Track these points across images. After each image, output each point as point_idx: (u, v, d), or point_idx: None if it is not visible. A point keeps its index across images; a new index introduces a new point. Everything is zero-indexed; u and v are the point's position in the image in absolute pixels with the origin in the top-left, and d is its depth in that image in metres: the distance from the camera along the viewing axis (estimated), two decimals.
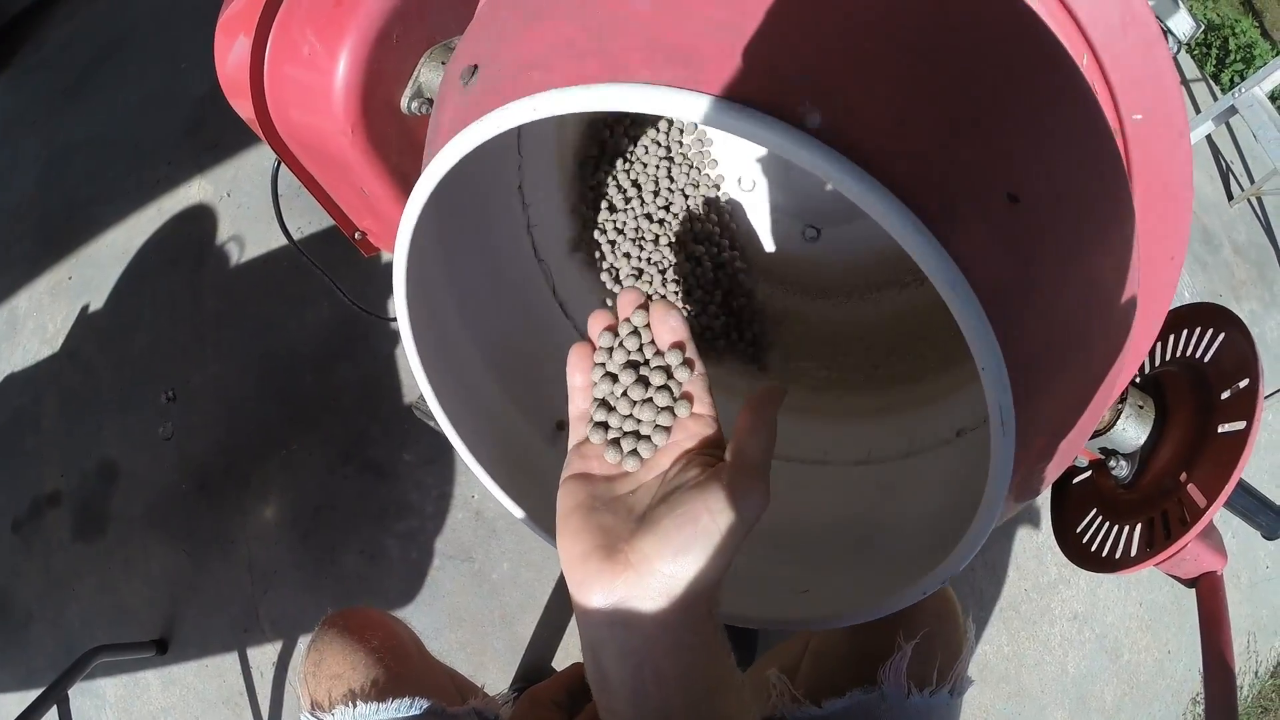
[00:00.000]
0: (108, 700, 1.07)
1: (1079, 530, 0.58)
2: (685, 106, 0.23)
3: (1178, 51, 1.86)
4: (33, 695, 0.87)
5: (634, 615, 0.28)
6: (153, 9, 1.72)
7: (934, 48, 0.25)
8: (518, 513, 0.43)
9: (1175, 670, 1.14)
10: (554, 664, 1.07)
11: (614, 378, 0.33)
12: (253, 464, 1.17)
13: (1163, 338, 0.59)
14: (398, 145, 0.61)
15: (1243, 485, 0.55)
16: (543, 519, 0.43)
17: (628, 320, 0.34)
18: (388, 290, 1.22)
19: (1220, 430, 0.47)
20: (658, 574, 0.28)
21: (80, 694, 0.98)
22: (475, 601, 1.08)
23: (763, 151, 0.55)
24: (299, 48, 0.58)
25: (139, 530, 1.15)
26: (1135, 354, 0.44)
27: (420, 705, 0.56)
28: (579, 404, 0.35)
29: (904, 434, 0.51)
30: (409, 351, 0.39)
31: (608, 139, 0.55)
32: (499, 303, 0.51)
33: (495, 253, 0.52)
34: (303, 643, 1.06)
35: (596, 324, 0.35)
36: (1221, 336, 0.53)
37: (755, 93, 0.23)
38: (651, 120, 0.55)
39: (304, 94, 0.59)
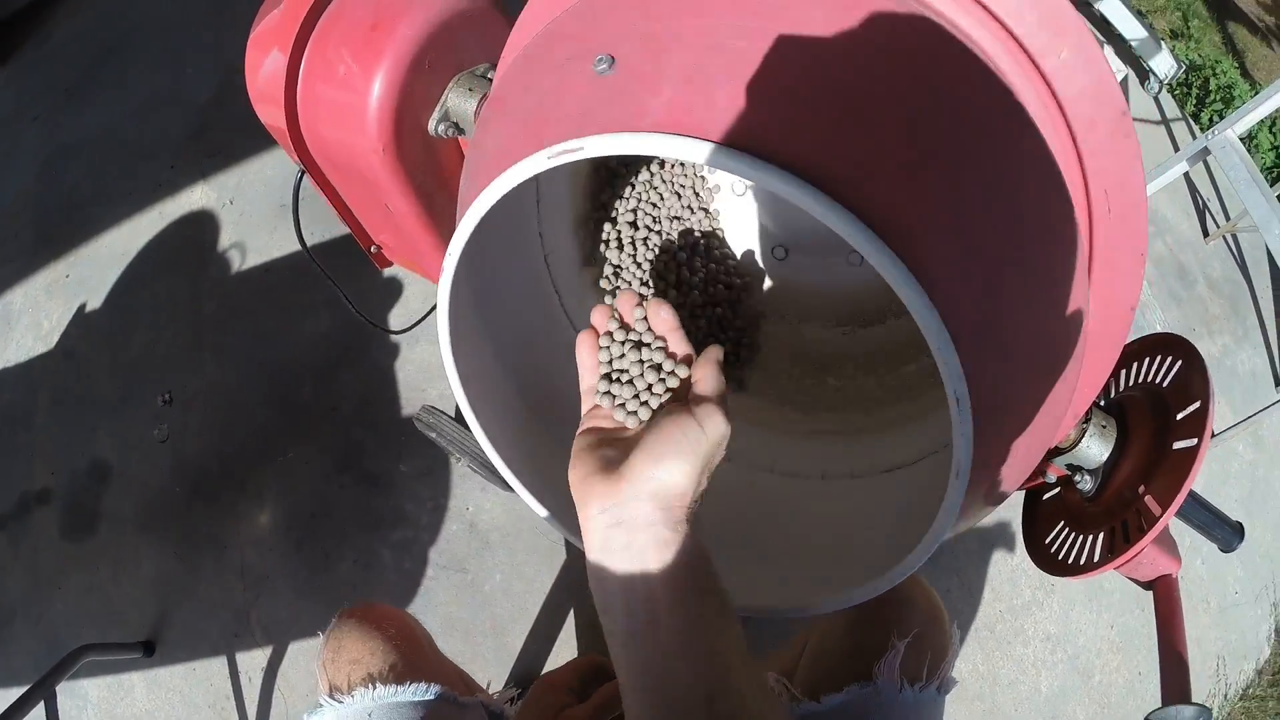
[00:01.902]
0: (90, 700, 1.08)
1: (1048, 541, 0.64)
2: (699, 152, 0.29)
3: (1159, 91, 1.98)
4: (12, 693, 0.89)
5: (626, 516, 0.35)
6: (155, 13, 1.77)
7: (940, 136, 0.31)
8: (541, 511, 0.48)
9: (1146, 691, 1.19)
10: (543, 673, 1.10)
11: (621, 355, 0.42)
12: (248, 470, 1.20)
13: (1126, 366, 0.66)
14: (423, 165, 0.67)
15: (1200, 502, 0.62)
16: (561, 517, 0.48)
17: (615, 318, 0.43)
18: (389, 303, 1.28)
19: (1175, 447, 0.54)
20: (643, 479, 0.36)
21: (62, 693, 0.99)
22: (467, 611, 1.11)
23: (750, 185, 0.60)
24: (334, 67, 0.63)
25: (130, 531, 1.17)
26: (1090, 383, 0.50)
27: (434, 690, 0.61)
28: (588, 380, 0.43)
29: (878, 452, 0.57)
30: (449, 369, 0.44)
31: (614, 178, 0.61)
32: (519, 320, 0.56)
33: (517, 277, 0.57)
34: (294, 648, 1.08)
35: (599, 316, 0.44)
36: (1179, 364, 0.59)
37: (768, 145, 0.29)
38: (652, 160, 0.61)
39: (337, 112, 0.64)
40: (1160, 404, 0.59)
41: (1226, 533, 0.62)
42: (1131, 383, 0.65)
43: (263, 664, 1.08)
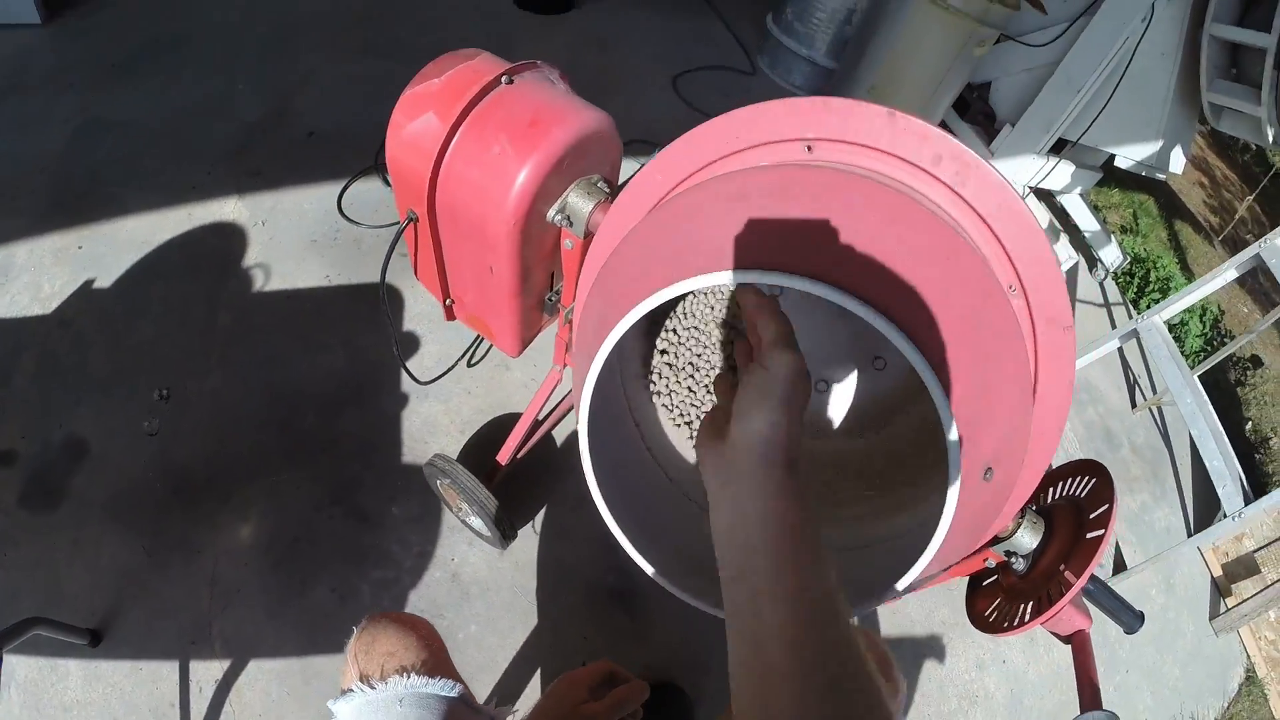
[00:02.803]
0: (16, 678, 1.10)
1: (987, 613, 0.89)
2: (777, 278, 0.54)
3: (1104, 278, 2.49)
4: None
5: (732, 473, 0.44)
6: (219, 23, 2.03)
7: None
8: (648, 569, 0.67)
9: None
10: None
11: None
12: (237, 483, 1.32)
13: (1054, 484, 0.95)
14: (532, 242, 0.93)
15: (1110, 591, 0.89)
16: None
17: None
18: (404, 355, 1.52)
19: (1088, 536, 0.81)
20: (735, 438, 0.44)
21: None
22: None
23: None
24: (489, 147, 0.89)
25: (96, 516, 1.24)
26: (1026, 485, 0.75)
27: (459, 690, 0.76)
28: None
29: (866, 532, 0.79)
30: (582, 441, 0.62)
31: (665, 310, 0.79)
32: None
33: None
34: (254, 666, 1.16)
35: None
36: (1094, 480, 0.88)
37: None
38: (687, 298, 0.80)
39: (481, 181, 0.89)
40: (1078, 508, 0.87)
41: (1129, 617, 0.88)
42: (1058, 496, 0.93)
43: (217, 676, 1.15)
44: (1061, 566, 0.81)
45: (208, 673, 1.16)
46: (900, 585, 0.57)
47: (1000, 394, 0.57)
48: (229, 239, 1.60)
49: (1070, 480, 0.93)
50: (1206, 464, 1.51)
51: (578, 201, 0.91)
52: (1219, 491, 1.49)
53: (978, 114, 2.29)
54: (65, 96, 1.77)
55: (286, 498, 1.33)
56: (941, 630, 1.51)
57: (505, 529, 1.25)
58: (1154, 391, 2.16)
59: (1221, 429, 1.58)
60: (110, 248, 1.54)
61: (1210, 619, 1.79)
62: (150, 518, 1.27)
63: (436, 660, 0.79)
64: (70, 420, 1.33)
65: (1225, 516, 1.48)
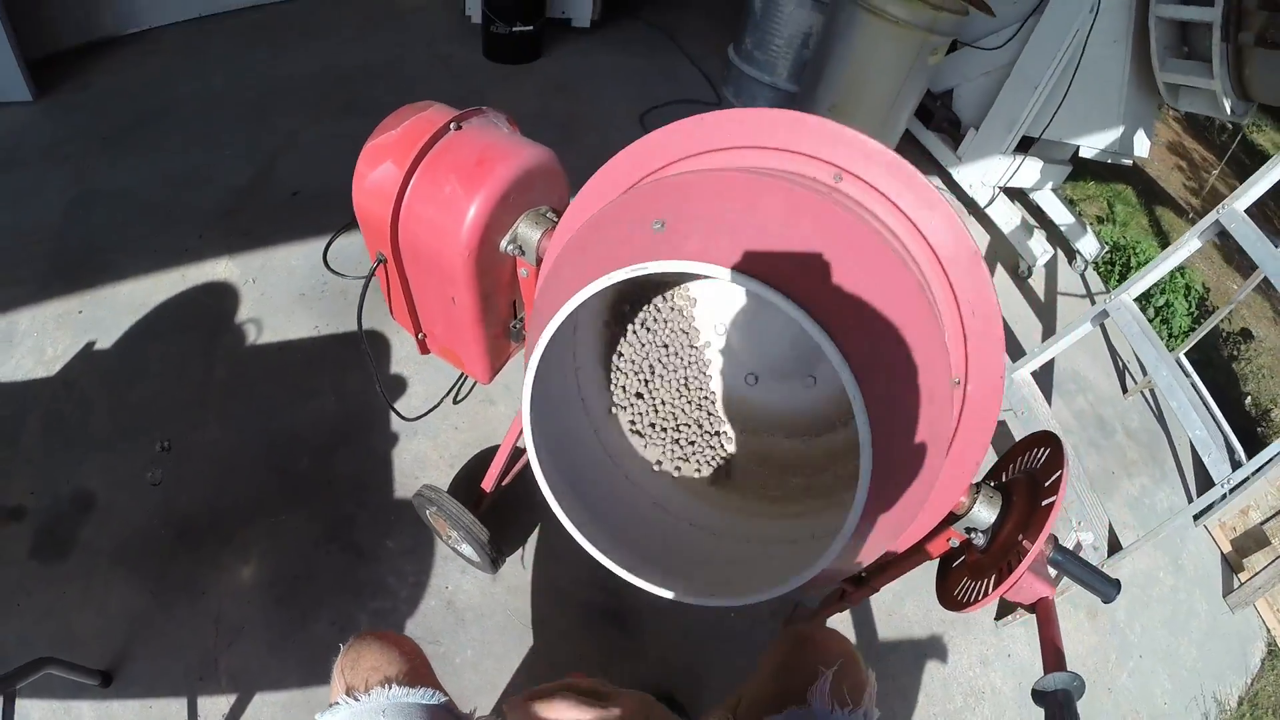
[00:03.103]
0: None
1: (955, 594, 0.91)
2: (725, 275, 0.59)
3: (1084, 269, 2.52)
4: None
5: None
6: (204, 94, 2.15)
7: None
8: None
9: None
10: None
11: None
12: (238, 525, 1.38)
13: (1015, 459, 0.97)
14: (488, 272, 0.99)
15: (1080, 560, 0.90)
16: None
17: None
18: (393, 395, 1.62)
19: (1043, 504, 0.83)
20: None
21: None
22: None
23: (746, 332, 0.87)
24: (441, 187, 0.96)
25: (105, 563, 1.30)
26: (968, 464, 0.78)
27: (440, 698, 0.80)
28: None
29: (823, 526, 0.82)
30: (526, 427, 0.67)
31: (624, 310, 0.83)
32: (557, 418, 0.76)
33: (556, 377, 0.77)
34: (259, 699, 1.21)
35: None
36: (1048, 451, 0.90)
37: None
38: (654, 302, 0.85)
39: (437, 219, 0.95)
40: (1033, 479, 0.89)
41: (1104, 585, 0.89)
42: (1018, 471, 0.96)
43: (224, 710, 1.19)
44: (1020, 537, 0.83)
45: (215, 707, 1.20)
46: (821, 562, 0.60)
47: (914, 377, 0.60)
48: (222, 297, 1.68)
49: (1027, 454, 0.95)
50: (1189, 434, 1.51)
51: (527, 231, 0.97)
52: (1205, 460, 1.49)
53: (942, 121, 2.36)
54: (59, 169, 1.88)
55: (285, 537, 1.38)
56: (941, 629, 1.52)
57: (494, 554, 1.28)
58: (1144, 375, 2.17)
59: (1202, 399, 1.58)
60: (109, 311, 1.63)
61: (1224, 595, 1.77)
62: (156, 563, 1.32)
63: (419, 673, 0.83)
64: (77, 475, 1.40)
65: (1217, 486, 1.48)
